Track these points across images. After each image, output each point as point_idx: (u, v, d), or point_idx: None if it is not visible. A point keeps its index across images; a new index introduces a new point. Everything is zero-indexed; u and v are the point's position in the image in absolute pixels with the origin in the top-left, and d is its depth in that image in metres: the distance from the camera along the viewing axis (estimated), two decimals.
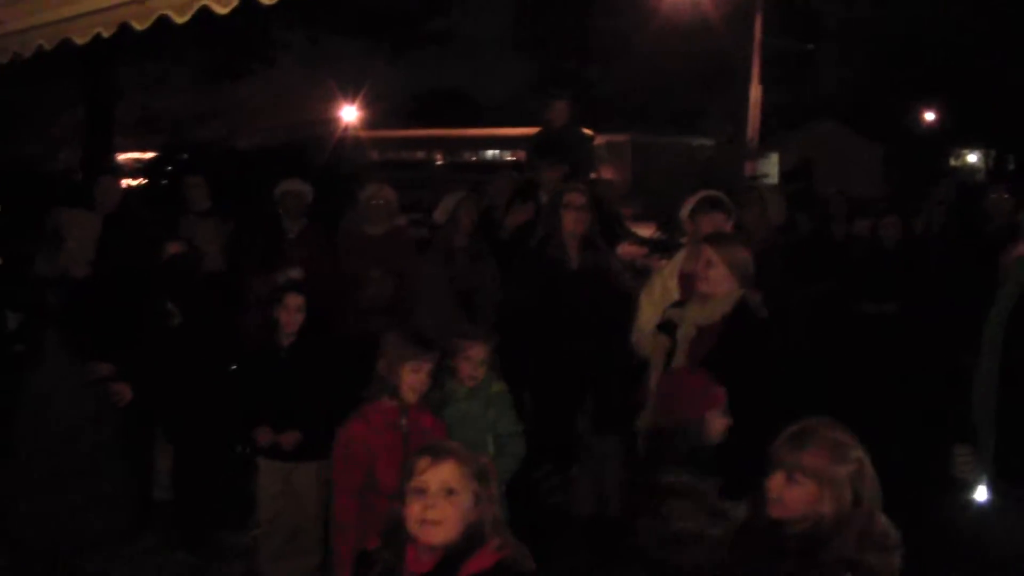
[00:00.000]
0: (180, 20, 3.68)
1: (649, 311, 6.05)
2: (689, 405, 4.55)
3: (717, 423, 4.55)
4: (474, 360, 5.42)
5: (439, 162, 39.31)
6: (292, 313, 6.25)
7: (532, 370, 6.73)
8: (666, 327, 5.51)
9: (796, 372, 5.32)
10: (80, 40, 4.26)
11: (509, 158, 35.45)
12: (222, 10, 3.51)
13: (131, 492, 6.33)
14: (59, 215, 6.91)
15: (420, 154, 40.85)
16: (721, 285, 5.27)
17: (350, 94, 37.30)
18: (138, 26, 3.94)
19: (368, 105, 38.65)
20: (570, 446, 6.95)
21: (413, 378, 4.96)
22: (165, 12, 3.73)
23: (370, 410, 5.03)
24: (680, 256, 6.25)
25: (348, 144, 33.04)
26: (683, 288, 5.91)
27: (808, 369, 5.85)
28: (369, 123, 38.80)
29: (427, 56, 34.16)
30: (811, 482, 3.52)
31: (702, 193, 6.37)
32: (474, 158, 39.43)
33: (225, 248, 8.56)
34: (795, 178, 19.16)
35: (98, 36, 4.18)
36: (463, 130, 40.32)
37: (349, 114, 37.60)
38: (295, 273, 7.93)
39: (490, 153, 39.28)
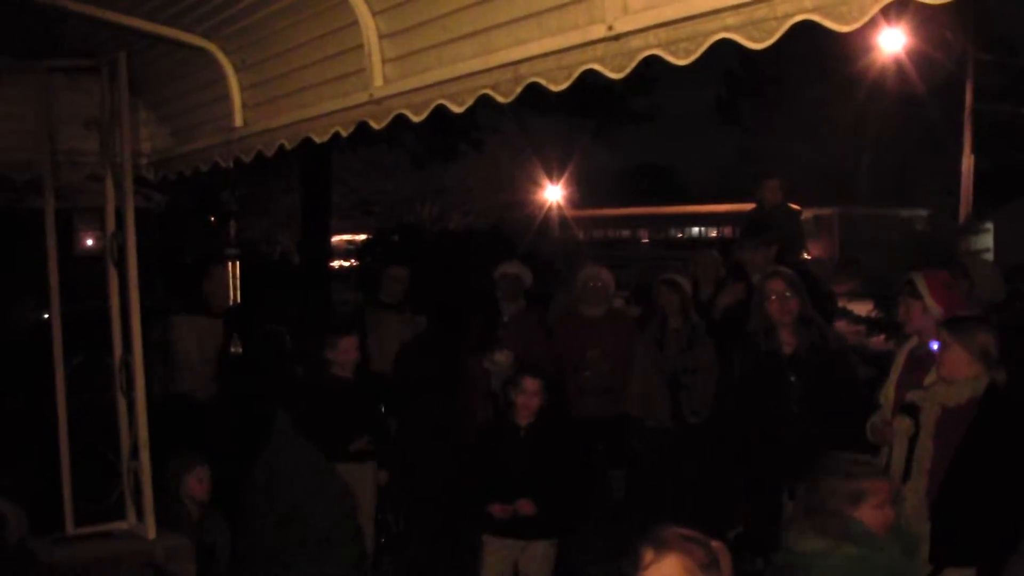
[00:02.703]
0: (417, 119, 3.82)
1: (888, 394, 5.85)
2: None
3: None
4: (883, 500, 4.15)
5: (644, 240, 39.37)
6: (530, 396, 6.31)
7: (746, 453, 6.58)
8: (909, 410, 5.35)
9: None
10: (319, 139, 4.48)
11: (714, 235, 35.24)
12: (458, 109, 3.63)
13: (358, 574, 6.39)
14: (169, 324, 6.78)
15: (625, 232, 41.01)
16: (961, 368, 5.11)
17: (556, 174, 37.78)
18: (375, 125, 4.11)
19: (573, 184, 39.07)
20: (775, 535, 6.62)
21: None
22: (402, 111, 3.88)
23: None
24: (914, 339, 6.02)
25: (554, 224, 33.42)
26: (912, 370, 5.71)
27: None
28: (574, 202, 39.18)
29: (632, 134, 34.29)
30: None
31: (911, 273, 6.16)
32: (680, 235, 39.34)
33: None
34: None
35: (336, 134, 4.38)
36: (668, 207, 40.30)
37: (554, 194, 38.08)
38: (504, 356, 8.04)
39: (696, 230, 39.11)
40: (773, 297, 6.42)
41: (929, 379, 5.39)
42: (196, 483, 6.10)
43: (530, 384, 6.33)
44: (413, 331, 8.82)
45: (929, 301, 5.73)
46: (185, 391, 7.81)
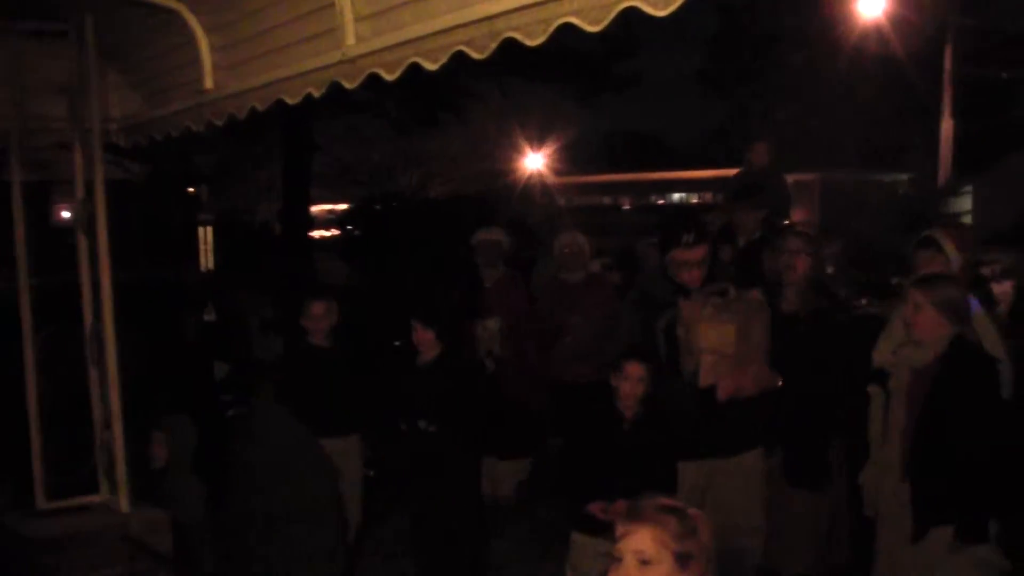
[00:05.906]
0: (390, 77, 3.70)
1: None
2: None
3: None
4: None
5: (626, 207, 39.33)
6: (634, 384, 5.69)
7: None
8: (878, 377, 5.34)
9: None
10: (291, 100, 4.35)
11: (695, 201, 35.32)
12: (432, 67, 3.51)
13: (344, 546, 6.29)
14: None
15: (607, 199, 41.00)
16: (932, 329, 5.06)
17: (538, 140, 37.54)
18: (348, 85, 4.00)
19: (556, 151, 38.84)
20: None
21: None
22: (375, 70, 3.77)
23: None
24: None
25: (537, 192, 33.33)
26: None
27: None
28: (557, 169, 39.00)
29: (614, 100, 34.21)
30: None
31: (932, 229, 6.11)
32: (661, 201, 39.39)
33: None
34: None
35: (308, 95, 4.27)
36: (650, 174, 40.30)
37: (536, 161, 37.88)
38: (494, 322, 7.93)
39: (677, 196, 39.16)
40: (794, 255, 6.33)
41: (897, 343, 5.34)
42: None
43: (633, 370, 5.67)
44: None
45: (953, 254, 5.79)
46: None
